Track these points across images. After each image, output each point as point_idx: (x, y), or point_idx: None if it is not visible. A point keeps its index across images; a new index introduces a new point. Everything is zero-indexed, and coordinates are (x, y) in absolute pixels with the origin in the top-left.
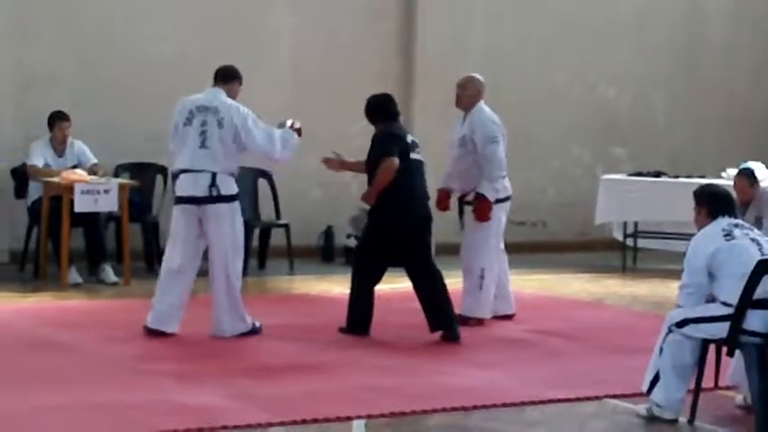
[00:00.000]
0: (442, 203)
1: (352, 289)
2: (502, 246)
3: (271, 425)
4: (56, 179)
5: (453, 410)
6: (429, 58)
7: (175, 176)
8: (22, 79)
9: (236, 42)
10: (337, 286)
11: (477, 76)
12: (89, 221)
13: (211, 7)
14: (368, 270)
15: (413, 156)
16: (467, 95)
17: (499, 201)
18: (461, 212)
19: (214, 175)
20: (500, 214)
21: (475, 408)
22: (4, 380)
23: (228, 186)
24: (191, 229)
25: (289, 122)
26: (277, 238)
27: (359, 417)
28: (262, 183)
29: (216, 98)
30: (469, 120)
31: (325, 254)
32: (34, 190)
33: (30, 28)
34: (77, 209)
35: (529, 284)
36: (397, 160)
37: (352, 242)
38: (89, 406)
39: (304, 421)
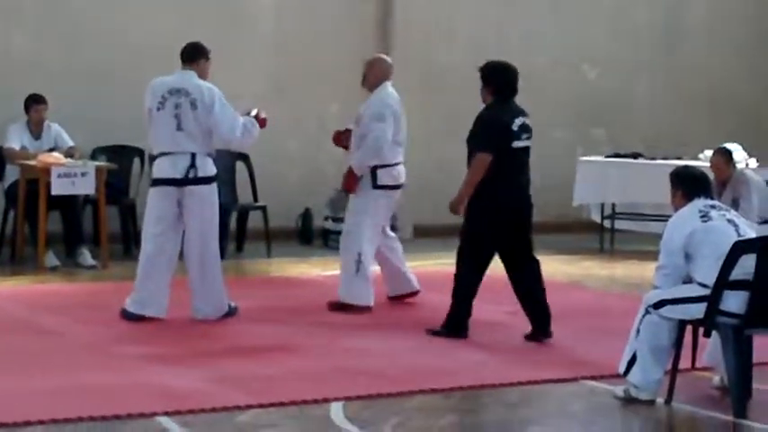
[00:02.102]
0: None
1: (461, 283)
2: (389, 231)
3: (249, 407)
4: (32, 162)
5: (432, 392)
6: (410, 40)
7: (153, 159)
8: (1, 60)
9: (217, 24)
10: (315, 268)
11: (385, 56)
12: (66, 204)
13: None
14: (475, 261)
15: (516, 144)
16: (372, 75)
17: (384, 187)
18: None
19: (194, 157)
20: (383, 201)
21: (453, 389)
22: None
23: (207, 168)
24: (169, 211)
25: (254, 111)
26: (254, 220)
27: (336, 399)
28: (239, 165)
29: (186, 80)
30: (368, 101)
31: (302, 236)
32: (11, 173)
33: (10, 10)
34: (54, 192)
35: None
36: (489, 157)
37: (330, 224)
38: (68, 389)
39: (282, 403)
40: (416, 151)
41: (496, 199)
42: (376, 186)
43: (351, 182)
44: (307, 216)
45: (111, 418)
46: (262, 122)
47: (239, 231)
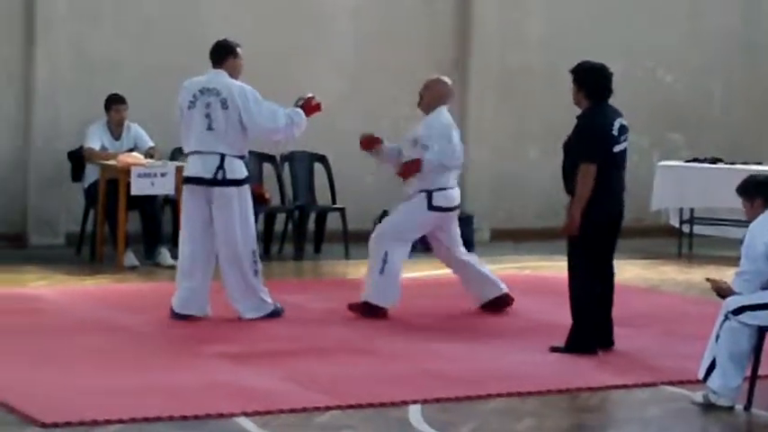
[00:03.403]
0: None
1: (577, 297)
2: (463, 249)
3: (328, 408)
4: (112, 162)
5: (509, 396)
6: (486, 42)
7: (186, 157)
8: (80, 63)
9: (295, 26)
10: None
11: (446, 79)
12: (145, 204)
13: None
14: (587, 270)
15: (617, 148)
16: (429, 97)
17: (438, 209)
18: None
19: (222, 158)
20: (430, 220)
21: (530, 393)
22: (62, 362)
23: (237, 170)
24: (199, 209)
25: (304, 98)
26: (333, 222)
27: (415, 401)
28: (318, 167)
29: (216, 79)
30: (425, 122)
31: None
32: (91, 173)
33: (88, 12)
34: (134, 192)
35: None
36: (594, 167)
37: None
38: (146, 388)
39: (360, 405)
40: (493, 154)
41: (600, 204)
42: (431, 208)
43: (410, 169)
44: (384, 218)
45: (191, 419)
46: (314, 108)
47: (317, 233)
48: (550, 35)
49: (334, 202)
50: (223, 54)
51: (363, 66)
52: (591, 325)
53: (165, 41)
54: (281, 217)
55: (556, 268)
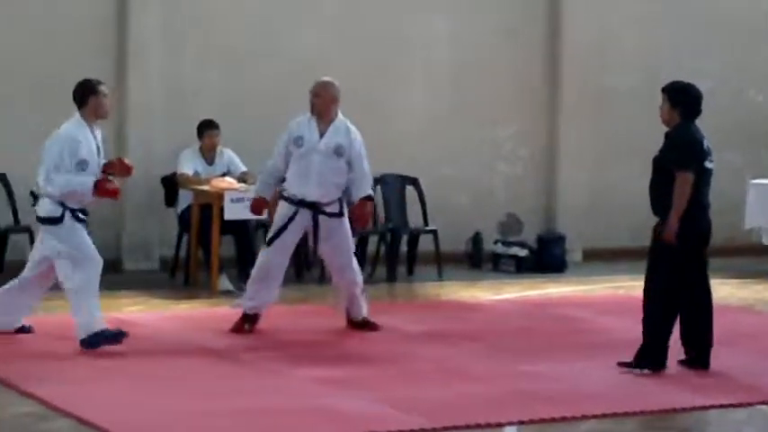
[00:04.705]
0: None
1: (651, 312)
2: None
3: (424, 430)
4: (205, 187)
5: (605, 417)
6: (576, 63)
7: None
8: (172, 89)
9: (389, 53)
10: (486, 292)
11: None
12: (239, 229)
13: (357, 14)
14: (666, 287)
15: (707, 165)
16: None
17: None
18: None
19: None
20: None
21: (626, 414)
22: (158, 386)
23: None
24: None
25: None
26: (425, 244)
27: (510, 423)
28: (410, 189)
29: None
30: (334, 128)
31: (473, 260)
32: (184, 198)
33: (177, 38)
34: (227, 216)
35: None
36: (692, 176)
37: (500, 248)
38: (242, 412)
39: (456, 427)
40: (584, 174)
41: (690, 220)
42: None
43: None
44: (477, 240)
45: None
46: (107, 191)
47: (410, 255)
48: (640, 55)
49: (426, 223)
50: (80, 101)
51: (455, 90)
52: (661, 340)
53: (255, 66)
54: (373, 239)
55: None
